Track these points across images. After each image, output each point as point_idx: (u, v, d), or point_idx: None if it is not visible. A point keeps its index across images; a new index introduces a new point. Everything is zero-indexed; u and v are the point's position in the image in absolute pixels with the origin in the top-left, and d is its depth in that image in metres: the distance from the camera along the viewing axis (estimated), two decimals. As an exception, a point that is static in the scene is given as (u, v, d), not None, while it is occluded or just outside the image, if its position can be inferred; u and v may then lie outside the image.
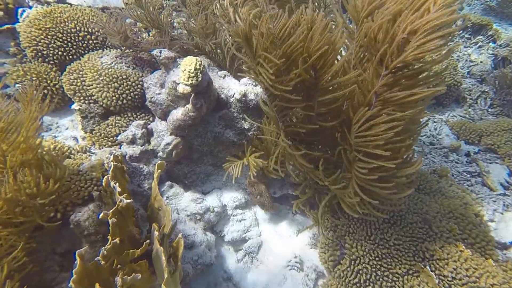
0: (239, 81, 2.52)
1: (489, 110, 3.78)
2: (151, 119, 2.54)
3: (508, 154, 3.03)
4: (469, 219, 1.82)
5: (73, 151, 1.95)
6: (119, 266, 1.23)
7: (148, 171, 2.29)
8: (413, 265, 1.64)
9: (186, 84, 1.81)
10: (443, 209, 1.91)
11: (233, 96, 2.33)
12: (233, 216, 2.56)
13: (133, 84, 2.34)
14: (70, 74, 2.46)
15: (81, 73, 2.33)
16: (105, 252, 1.11)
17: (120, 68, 2.39)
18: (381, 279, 1.63)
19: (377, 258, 1.68)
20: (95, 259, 1.11)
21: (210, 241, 2.33)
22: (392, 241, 1.70)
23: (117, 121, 2.35)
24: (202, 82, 1.89)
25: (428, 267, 1.48)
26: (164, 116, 2.30)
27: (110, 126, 2.32)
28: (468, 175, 3.00)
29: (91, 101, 2.33)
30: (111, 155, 1.59)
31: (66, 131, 2.62)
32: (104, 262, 1.10)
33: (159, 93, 2.24)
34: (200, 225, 2.40)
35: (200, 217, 2.40)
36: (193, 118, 2.04)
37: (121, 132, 2.33)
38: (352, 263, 1.74)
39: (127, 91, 2.31)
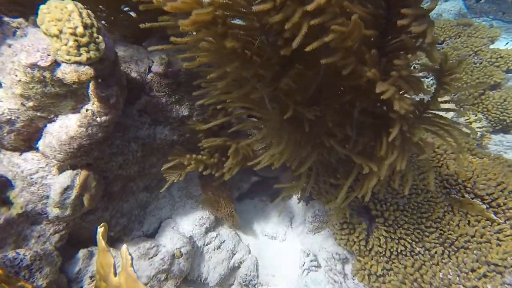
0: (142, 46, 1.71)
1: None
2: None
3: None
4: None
5: None
6: None
7: (33, 256, 1.30)
8: (443, 200, 1.65)
9: (79, 63, 0.95)
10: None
11: (150, 71, 1.55)
12: (207, 245, 1.97)
13: None
14: None
15: None
16: None
17: None
18: (426, 233, 1.59)
19: (415, 211, 1.62)
20: None
21: (194, 299, 1.70)
22: (422, 184, 1.65)
23: None
24: (108, 52, 1.06)
25: (467, 195, 1.53)
26: (26, 144, 1.28)
27: None
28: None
29: None
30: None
31: None
32: None
33: (-7, 99, 1.17)
34: (170, 285, 1.70)
35: (166, 275, 1.68)
36: (105, 126, 1.19)
37: None
38: (391, 230, 1.62)
39: None
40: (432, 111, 1.03)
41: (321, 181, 1.97)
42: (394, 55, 0.96)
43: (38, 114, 1.15)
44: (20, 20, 1.08)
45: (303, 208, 2.33)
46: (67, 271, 1.56)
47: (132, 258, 0.81)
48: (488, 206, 1.48)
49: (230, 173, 1.60)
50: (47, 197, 1.28)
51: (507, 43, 4.82)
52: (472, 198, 1.52)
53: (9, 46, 1.05)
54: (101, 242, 0.85)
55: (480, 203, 1.48)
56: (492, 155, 2.02)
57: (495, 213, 1.45)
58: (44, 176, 1.26)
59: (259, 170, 2.33)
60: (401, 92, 0.96)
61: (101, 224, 0.92)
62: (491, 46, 3.72)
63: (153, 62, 1.54)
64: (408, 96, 0.88)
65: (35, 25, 1.17)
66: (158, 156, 1.72)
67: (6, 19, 1.05)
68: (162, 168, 1.61)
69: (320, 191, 2.08)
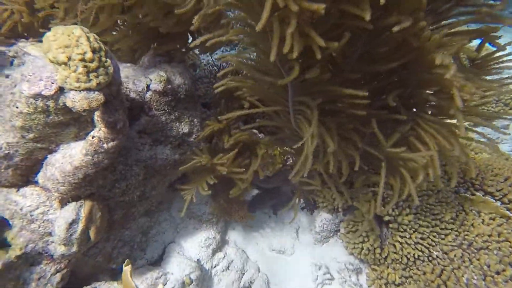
0: (139, 67, 1.71)
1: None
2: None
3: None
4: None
5: None
6: None
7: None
8: (453, 200, 1.71)
9: (89, 89, 0.95)
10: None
11: (148, 89, 1.55)
12: (216, 267, 1.97)
13: None
14: None
15: None
16: None
17: None
18: (442, 235, 1.66)
19: (428, 213, 1.68)
20: None
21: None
22: (432, 184, 1.73)
23: None
24: (115, 75, 1.06)
25: (478, 193, 1.61)
26: (24, 178, 1.24)
27: None
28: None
29: None
30: None
31: None
32: None
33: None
34: (183, 315, 1.68)
35: (177, 305, 1.66)
36: (112, 152, 1.19)
37: None
38: (406, 235, 1.69)
39: None
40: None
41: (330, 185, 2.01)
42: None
43: (39, 145, 1.13)
44: (16, 48, 1.06)
45: (308, 218, 2.37)
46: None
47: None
48: (500, 203, 1.58)
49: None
50: (49, 234, 1.25)
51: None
52: (483, 196, 1.62)
53: (7, 76, 1.03)
54: (131, 282, 0.84)
55: (493, 200, 1.58)
56: (487, 149, 2.15)
57: (508, 210, 1.55)
58: (45, 212, 1.23)
59: (260, 182, 2.37)
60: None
61: (126, 262, 0.91)
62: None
63: (151, 80, 1.54)
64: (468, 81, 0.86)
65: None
66: (159, 178, 1.71)
67: (1, 48, 1.03)
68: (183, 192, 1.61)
69: (327, 197, 2.13)
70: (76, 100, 0.94)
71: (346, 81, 1.04)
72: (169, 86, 1.58)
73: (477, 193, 1.63)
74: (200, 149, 1.65)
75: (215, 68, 2.27)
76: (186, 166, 1.55)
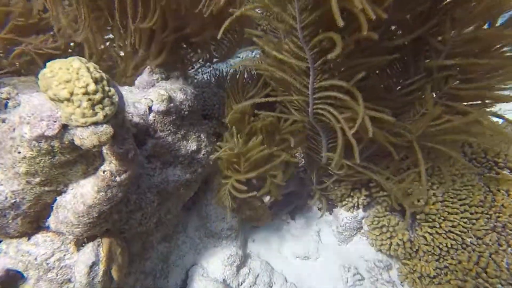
0: (136, 86, 1.64)
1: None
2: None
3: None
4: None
5: None
6: None
7: None
8: (478, 182, 1.67)
9: (97, 123, 0.88)
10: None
11: (151, 111, 1.49)
12: (242, 284, 1.90)
13: None
14: None
15: None
16: None
17: None
18: (473, 220, 1.61)
19: (455, 199, 1.64)
20: None
21: None
22: (455, 169, 1.68)
23: None
24: (120, 103, 1.00)
25: (504, 171, 1.57)
26: (34, 225, 1.17)
27: None
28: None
29: None
30: None
31: None
32: None
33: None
34: None
35: (210, 331, 1.59)
36: (125, 184, 1.12)
37: None
38: (436, 225, 1.65)
39: None
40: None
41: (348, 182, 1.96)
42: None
43: (46, 188, 1.06)
44: (8, 89, 0.99)
45: (328, 218, 2.32)
46: None
47: None
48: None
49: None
50: (69, 280, 1.17)
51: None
52: (509, 173, 1.58)
53: (3, 121, 0.95)
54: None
55: (515, 177, 1.55)
56: (497, 124, 2.12)
57: (537, 185, 1.52)
58: (61, 258, 1.15)
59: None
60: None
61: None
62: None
63: (152, 101, 1.47)
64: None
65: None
66: (173, 201, 1.65)
67: (-5, 90, 0.96)
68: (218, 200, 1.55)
69: (346, 194, 2.08)
70: (84, 137, 0.87)
71: (373, 53, 1.00)
72: (172, 105, 1.51)
73: (503, 172, 1.59)
74: (231, 133, 1.57)
75: (212, 76, 2.21)
76: (218, 154, 1.48)
